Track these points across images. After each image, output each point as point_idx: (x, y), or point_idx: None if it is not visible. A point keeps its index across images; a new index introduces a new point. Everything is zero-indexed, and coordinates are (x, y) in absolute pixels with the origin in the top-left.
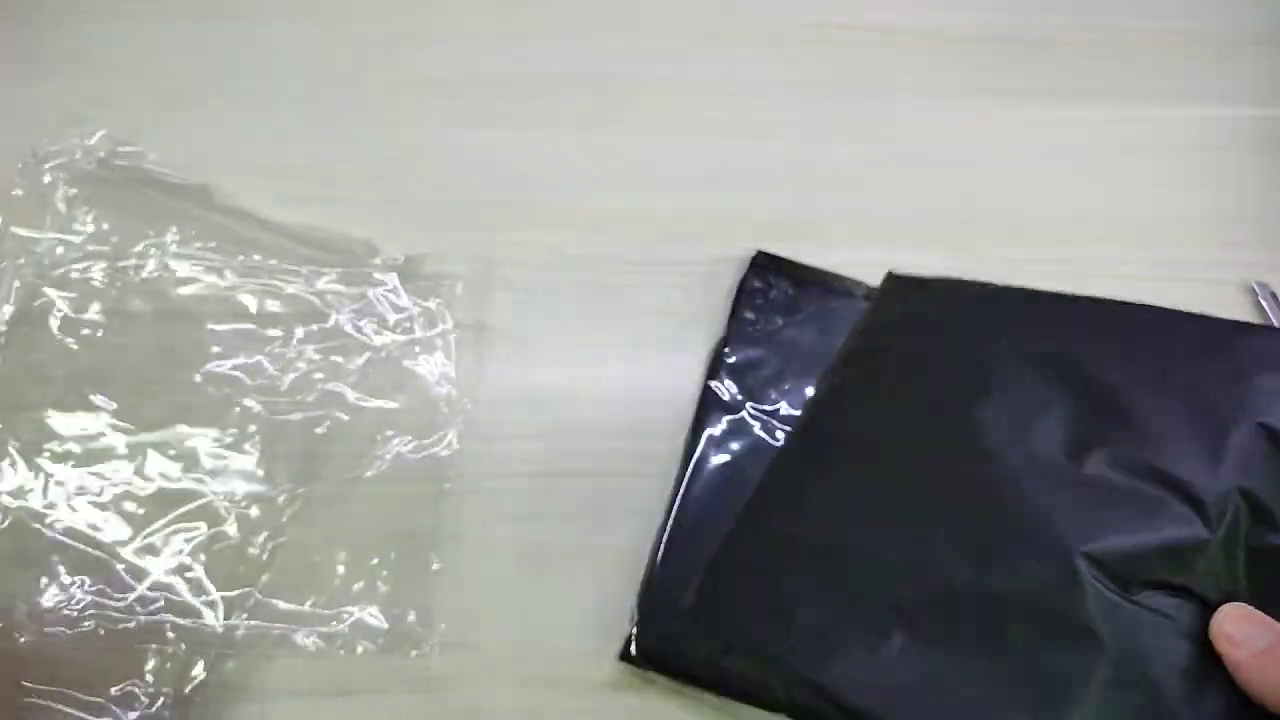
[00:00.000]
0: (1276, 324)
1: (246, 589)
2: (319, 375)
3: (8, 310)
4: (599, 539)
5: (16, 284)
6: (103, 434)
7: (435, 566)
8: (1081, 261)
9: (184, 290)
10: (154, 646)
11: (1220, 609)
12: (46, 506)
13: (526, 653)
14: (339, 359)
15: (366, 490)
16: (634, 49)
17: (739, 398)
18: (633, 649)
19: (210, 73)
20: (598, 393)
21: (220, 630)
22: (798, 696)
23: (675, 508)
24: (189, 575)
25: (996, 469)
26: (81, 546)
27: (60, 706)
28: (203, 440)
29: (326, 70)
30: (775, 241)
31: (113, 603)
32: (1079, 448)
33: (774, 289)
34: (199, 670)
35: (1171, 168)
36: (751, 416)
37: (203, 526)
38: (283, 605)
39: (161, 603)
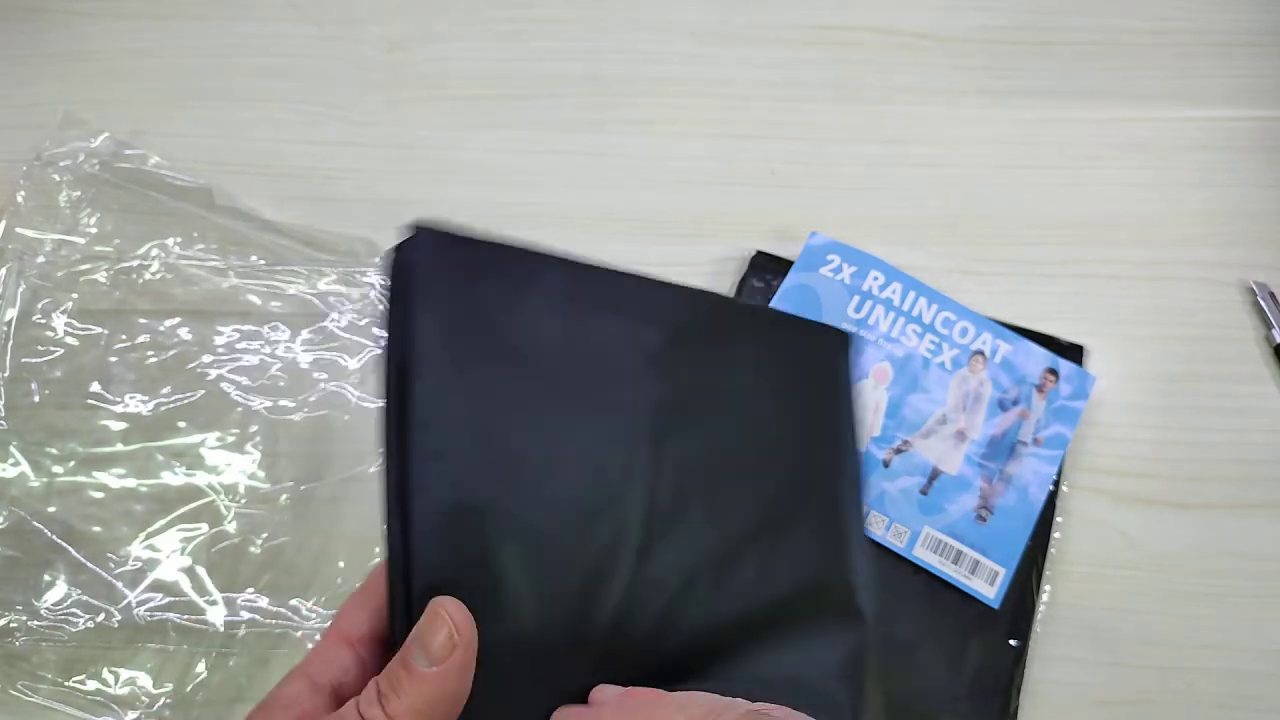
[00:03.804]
0: (1275, 324)
1: (248, 588)
2: (320, 375)
3: (11, 311)
4: None
5: (21, 285)
6: (105, 434)
7: None
8: (1081, 261)
9: (186, 291)
10: (155, 646)
11: None
12: (48, 506)
13: None
14: (340, 359)
15: (367, 489)
16: (634, 49)
17: None
18: None
19: (210, 73)
20: None
21: (221, 629)
22: None
23: None
24: (190, 575)
25: None
26: (83, 546)
27: (61, 705)
28: (205, 440)
29: (326, 70)
30: (775, 241)
31: (114, 602)
32: None
33: (774, 289)
34: (200, 669)
35: (1171, 168)
36: None
37: (204, 526)
38: (284, 604)
39: (163, 602)
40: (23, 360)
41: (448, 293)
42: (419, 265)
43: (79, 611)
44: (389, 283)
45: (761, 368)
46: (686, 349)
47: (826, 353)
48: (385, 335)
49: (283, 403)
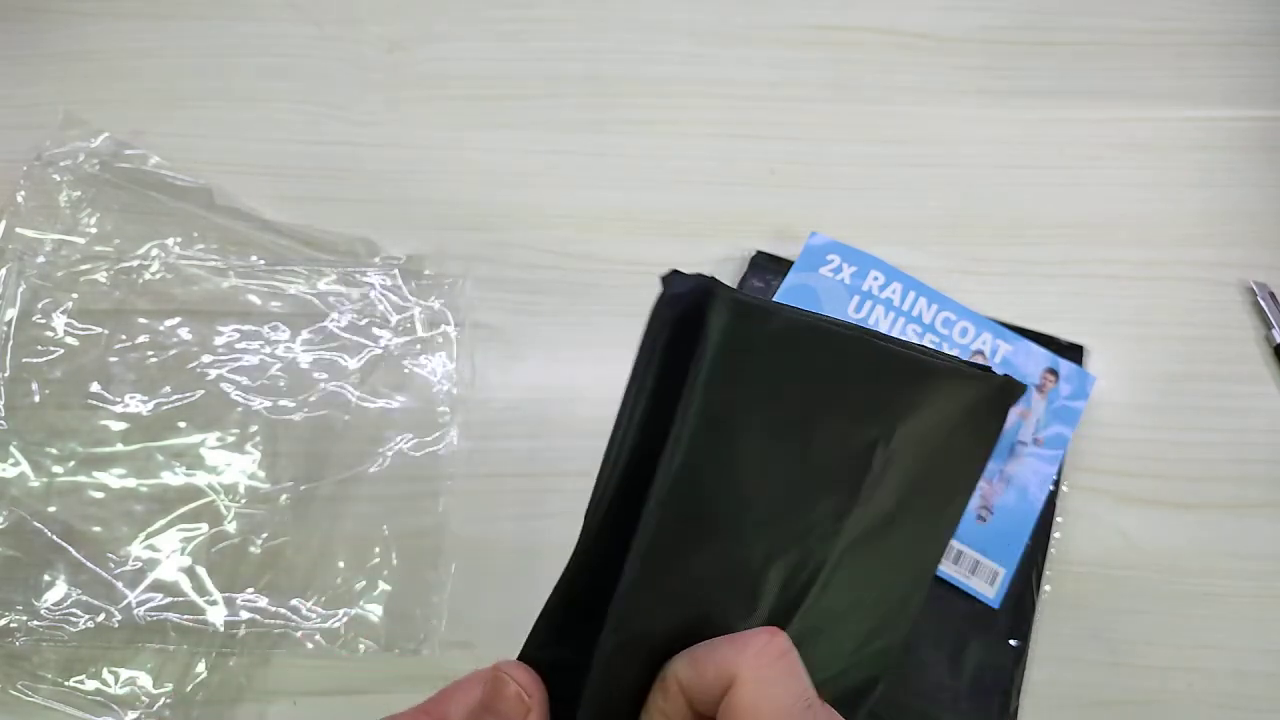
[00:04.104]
0: (1276, 324)
1: (247, 588)
2: (320, 375)
3: (12, 311)
4: None
5: (21, 285)
6: (105, 434)
7: (436, 565)
8: (1081, 261)
9: (186, 291)
10: (155, 645)
11: None
12: (48, 506)
13: None
14: (340, 359)
15: (367, 489)
16: (634, 49)
17: None
18: None
19: (210, 73)
20: (597, 392)
21: (221, 629)
22: None
23: None
24: (190, 575)
25: None
26: (83, 546)
27: (61, 705)
28: (204, 440)
29: (326, 70)
30: (775, 241)
31: (114, 602)
32: None
33: (774, 289)
34: (200, 669)
35: (1171, 168)
36: None
37: (204, 526)
38: (284, 604)
39: (163, 602)
40: (23, 360)
41: (734, 378)
42: (714, 327)
43: (79, 611)
44: (656, 320)
45: (934, 435)
46: (899, 431)
47: (989, 409)
48: (642, 386)
49: (283, 403)
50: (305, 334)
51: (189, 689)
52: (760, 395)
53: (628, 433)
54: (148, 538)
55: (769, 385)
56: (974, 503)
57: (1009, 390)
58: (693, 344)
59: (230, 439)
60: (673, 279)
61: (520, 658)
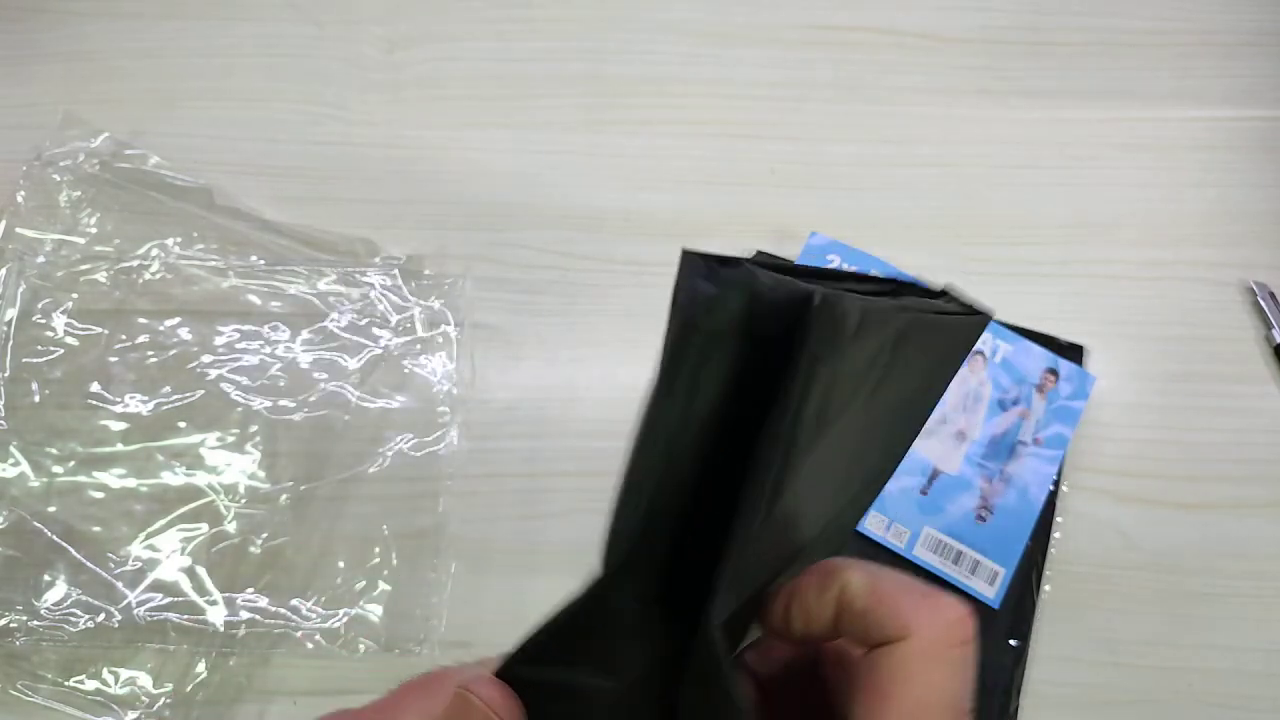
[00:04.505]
0: (1276, 324)
1: (248, 588)
2: (320, 375)
3: (12, 311)
4: (598, 538)
5: (21, 285)
6: (105, 434)
7: (435, 565)
8: (1081, 261)
9: (186, 291)
10: (155, 645)
11: None
12: (48, 506)
13: None
14: (340, 359)
15: (367, 489)
16: (634, 49)
17: None
18: None
19: (210, 73)
20: (597, 392)
21: (221, 629)
22: None
23: None
24: (190, 574)
25: None
26: (83, 546)
27: (61, 705)
28: (205, 440)
29: (326, 70)
30: (775, 241)
31: (114, 602)
32: None
33: None
34: (200, 669)
35: (1172, 168)
36: None
37: (204, 526)
38: (284, 604)
39: (163, 602)
40: (23, 360)
41: (831, 387)
42: (820, 333)
43: (79, 611)
44: (701, 332)
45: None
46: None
47: (955, 349)
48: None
49: (283, 403)
50: (305, 334)
51: (189, 689)
52: (850, 402)
53: (676, 448)
54: (148, 538)
55: (855, 387)
56: (974, 502)
57: (979, 323)
58: (769, 362)
59: (230, 439)
60: (707, 274)
61: (501, 672)
